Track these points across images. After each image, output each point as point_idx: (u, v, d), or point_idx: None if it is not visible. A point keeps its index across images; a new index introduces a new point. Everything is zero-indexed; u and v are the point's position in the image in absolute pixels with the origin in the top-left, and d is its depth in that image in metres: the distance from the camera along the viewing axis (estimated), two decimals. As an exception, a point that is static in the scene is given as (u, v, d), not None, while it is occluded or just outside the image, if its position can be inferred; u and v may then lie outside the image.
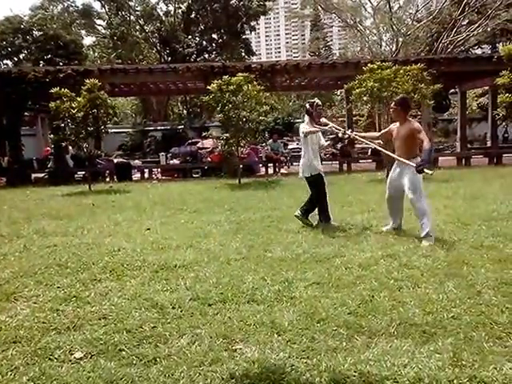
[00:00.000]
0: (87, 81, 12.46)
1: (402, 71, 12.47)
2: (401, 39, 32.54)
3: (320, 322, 3.32)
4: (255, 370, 2.67)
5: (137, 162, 18.93)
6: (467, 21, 30.59)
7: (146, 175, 17.36)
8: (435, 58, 17.50)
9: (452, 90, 22.10)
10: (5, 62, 35.89)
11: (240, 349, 2.96)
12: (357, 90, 12.44)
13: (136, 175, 17.35)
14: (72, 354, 2.96)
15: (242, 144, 13.08)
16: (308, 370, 2.64)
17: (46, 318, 3.54)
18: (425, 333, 3.11)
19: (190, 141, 22.93)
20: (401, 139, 5.77)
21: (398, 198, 6.09)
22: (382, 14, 33.70)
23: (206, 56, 35.76)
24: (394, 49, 33.26)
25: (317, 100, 6.82)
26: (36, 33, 34.85)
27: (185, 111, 38.80)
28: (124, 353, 2.95)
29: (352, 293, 3.87)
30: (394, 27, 32.27)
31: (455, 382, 2.53)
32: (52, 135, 14.55)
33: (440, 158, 17.68)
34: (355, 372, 2.61)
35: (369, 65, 12.87)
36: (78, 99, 12.11)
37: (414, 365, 2.69)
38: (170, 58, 34.84)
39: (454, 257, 4.82)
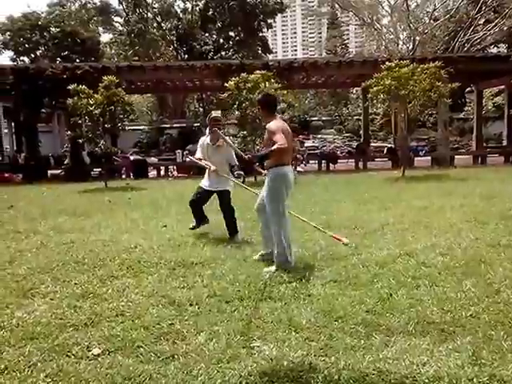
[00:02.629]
0: (105, 78, 12.54)
1: (419, 69, 12.35)
2: (418, 38, 32.18)
3: (338, 319, 3.29)
4: (273, 368, 2.65)
5: (153, 160, 19.04)
6: (484, 20, 30.18)
7: (162, 172, 17.45)
8: (452, 57, 17.32)
9: (468, 89, 21.81)
10: (22, 58, 36.31)
11: (258, 346, 2.94)
12: (374, 88, 12.34)
13: (152, 172, 17.46)
14: (90, 351, 2.97)
15: (258, 142, 13.05)
16: (326, 368, 2.62)
17: (64, 315, 3.56)
18: (443, 331, 3.07)
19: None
20: (265, 141, 4.82)
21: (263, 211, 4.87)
22: (399, 12, 33.39)
23: (223, 53, 35.78)
24: (410, 47, 32.92)
25: (213, 114, 6.09)
26: (53, 29, 35.22)
27: (201, 109, 38.89)
28: (142, 349, 2.96)
29: (369, 291, 3.83)
30: (411, 26, 31.92)
31: (475, 380, 2.50)
32: (69, 132, 14.68)
33: (456, 157, 17.47)
34: (374, 370, 2.59)
35: (386, 63, 12.76)
36: (96, 96, 12.20)
37: (433, 363, 2.66)
38: (186, 56, 34.95)
39: (472, 255, 4.77)
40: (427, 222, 6.55)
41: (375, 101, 13.64)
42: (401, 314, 3.34)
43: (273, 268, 4.52)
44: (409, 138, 15.94)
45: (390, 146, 20.72)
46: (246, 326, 3.24)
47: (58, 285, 4.28)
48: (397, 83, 12.04)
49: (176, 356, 2.86)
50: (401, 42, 35.62)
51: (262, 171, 4.84)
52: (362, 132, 22.48)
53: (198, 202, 6.17)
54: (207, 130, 6.10)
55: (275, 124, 4.56)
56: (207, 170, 6.06)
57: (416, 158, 17.56)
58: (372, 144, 23.23)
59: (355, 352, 2.81)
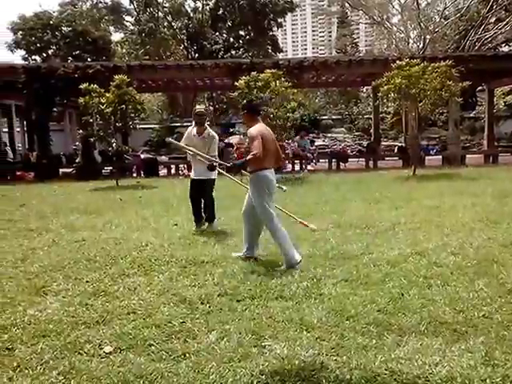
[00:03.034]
0: (116, 77, 12.60)
1: (430, 68, 12.26)
2: (428, 36, 32.02)
3: (349, 319, 3.28)
4: (285, 367, 2.65)
5: (163, 158, 19.09)
6: (495, 18, 29.95)
7: (173, 171, 17.50)
8: (463, 56, 17.18)
9: (479, 88, 21.62)
10: (34, 57, 36.59)
11: (269, 345, 2.94)
12: (385, 87, 12.27)
13: (162, 171, 17.52)
14: (101, 349, 2.99)
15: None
16: (338, 368, 2.61)
17: (76, 312, 3.58)
18: (456, 331, 3.06)
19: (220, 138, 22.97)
20: (248, 146, 4.87)
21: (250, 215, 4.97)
22: (409, 10, 33.23)
23: (233, 52, 35.79)
24: (421, 46, 32.76)
25: (197, 108, 6.65)
26: (65, 29, 35.43)
27: (211, 108, 38.96)
28: (153, 348, 2.97)
29: (381, 290, 3.82)
30: (422, 24, 31.76)
31: (488, 381, 2.48)
32: (80, 131, 14.79)
33: (467, 156, 17.33)
34: (386, 370, 2.58)
35: (397, 62, 12.67)
36: (107, 95, 12.26)
37: (445, 363, 2.64)
38: (197, 55, 35.03)
39: (484, 255, 4.74)
40: (439, 221, 6.50)
41: (385, 100, 13.54)
42: (413, 313, 3.32)
43: (283, 267, 4.56)
44: (419, 137, 15.81)
45: (400, 144, 20.58)
46: (257, 325, 3.24)
47: (70, 283, 4.31)
48: (407, 82, 11.95)
49: (187, 354, 2.87)
50: (411, 41, 35.46)
51: (247, 174, 4.94)
52: (372, 131, 22.38)
53: (191, 194, 6.60)
54: (193, 122, 6.62)
55: (256, 130, 4.64)
56: (192, 163, 6.57)
57: (427, 157, 17.44)
58: (382, 143, 23.10)
59: (367, 352, 2.80)
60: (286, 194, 9.96)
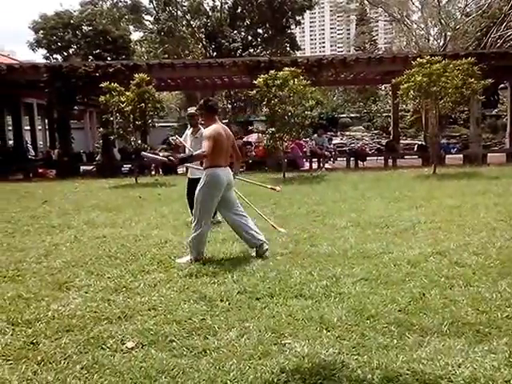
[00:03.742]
0: (136, 75, 12.71)
1: (451, 66, 12.07)
2: (449, 33, 31.59)
3: (369, 318, 3.26)
4: (305, 365, 2.65)
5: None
6: (517, 15, 29.30)
7: (191, 169, 17.57)
8: (486, 53, 16.86)
9: (501, 86, 21.20)
10: (55, 56, 37.06)
11: (289, 343, 2.94)
12: (404, 85, 12.13)
13: (181, 169, 17.59)
14: (124, 344, 3.03)
15: (286, 139, 13.02)
16: (359, 367, 2.60)
17: (98, 308, 3.63)
18: (478, 332, 3.02)
19: (238, 135, 22.98)
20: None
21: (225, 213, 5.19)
22: (429, 7, 32.80)
23: (251, 51, 35.76)
24: (441, 43, 32.34)
25: (189, 110, 7.07)
26: (85, 28, 35.75)
27: (229, 105, 39.02)
28: (174, 344, 3.00)
29: (401, 290, 3.79)
30: (443, 21, 31.36)
31: (511, 382, 2.45)
32: (101, 129, 14.95)
33: (489, 155, 17.03)
34: (408, 370, 2.55)
35: (418, 59, 12.51)
36: (127, 93, 12.38)
37: (468, 364, 2.61)
38: (215, 53, 35.07)
39: (507, 255, 4.66)
40: (460, 220, 6.41)
41: (405, 98, 13.38)
42: (434, 313, 3.29)
43: (185, 259, 4.84)
44: (440, 136, 15.60)
45: (420, 143, 20.34)
46: (277, 323, 3.24)
47: (92, 278, 4.38)
48: (428, 80, 11.80)
49: (208, 351, 2.89)
50: (431, 38, 35.03)
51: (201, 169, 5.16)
52: (391, 129, 22.16)
53: (188, 194, 6.83)
54: (188, 124, 7.15)
55: (211, 130, 4.81)
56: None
57: (447, 156, 17.20)
58: (401, 141, 22.85)
59: (388, 351, 2.77)
60: (304, 192, 10.07)
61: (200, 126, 6.81)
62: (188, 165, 6.48)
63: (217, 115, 5.08)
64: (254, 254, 5.03)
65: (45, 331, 3.23)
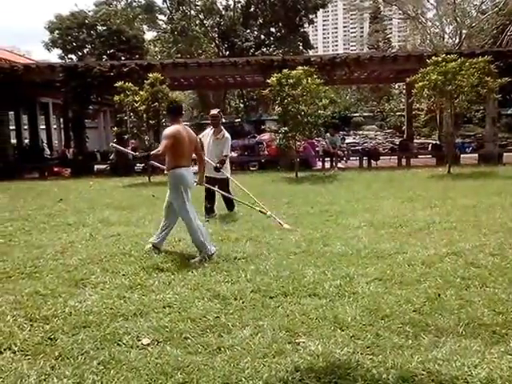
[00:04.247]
0: (150, 75, 12.78)
1: (467, 64, 11.95)
2: (464, 31, 31.27)
3: (384, 318, 3.26)
4: (320, 364, 2.65)
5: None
6: (534, 13, 28.88)
7: (203, 168, 17.62)
8: (502, 51, 16.64)
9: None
10: (70, 56, 37.44)
11: (303, 342, 2.95)
12: (419, 84, 12.03)
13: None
14: (139, 340, 3.07)
15: (298, 138, 12.99)
16: (374, 367, 2.60)
17: (114, 305, 3.68)
18: (495, 333, 3.00)
19: (251, 134, 23.01)
20: None
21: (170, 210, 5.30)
22: (445, 5, 32.48)
23: (264, 50, 35.74)
24: (456, 41, 32.02)
25: (212, 111, 7.44)
26: (100, 28, 36.08)
27: (241, 105, 39.07)
28: (189, 341, 3.03)
29: (416, 290, 3.77)
30: (458, 19, 31.03)
31: (529, 384, 2.43)
32: (115, 128, 15.05)
33: (504, 154, 16.81)
34: (423, 371, 2.55)
35: (433, 57, 12.40)
36: (141, 93, 12.46)
37: (484, 365, 2.60)
38: (228, 52, 35.15)
39: (524, 256, 4.60)
40: (475, 220, 6.35)
41: (420, 96, 13.25)
42: (450, 314, 3.27)
43: (197, 258, 4.87)
44: (455, 135, 15.44)
45: (434, 142, 20.16)
46: (291, 322, 3.25)
47: (107, 275, 4.42)
48: (443, 78, 11.70)
49: (222, 349, 2.91)
50: (446, 36, 34.68)
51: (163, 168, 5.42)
52: (405, 128, 22.00)
53: (206, 191, 7.18)
54: (211, 125, 7.38)
55: (170, 130, 5.00)
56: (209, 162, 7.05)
57: (462, 155, 17.02)
58: (415, 140, 22.67)
59: (403, 351, 2.77)
60: (317, 191, 10.06)
61: (222, 128, 7.29)
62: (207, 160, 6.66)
63: (180, 117, 5.25)
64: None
65: (62, 327, 3.28)
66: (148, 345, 2.99)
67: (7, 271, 4.65)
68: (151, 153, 5.12)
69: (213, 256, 4.87)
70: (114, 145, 6.89)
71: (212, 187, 6.98)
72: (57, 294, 3.92)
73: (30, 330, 3.26)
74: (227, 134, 7.31)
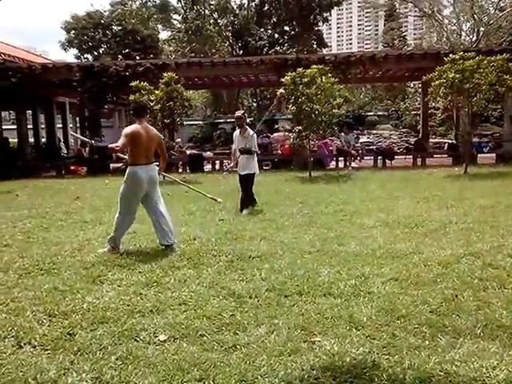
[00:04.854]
0: (165, 74, 12.85)
1: (485, 62, 11.80)
2: (482, 29, 30.87)
3: (400, 318, 3.25)
4: (336, 363, 2.66)
5: (209, 154, 19.30)
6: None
7: (217, 166, 17.68)
8: (521, 48, 16.38)
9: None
10: (85, 55, 37.80)
11: (319, 341, 2.96)
12: (436, 82, 11.91)
13: (207, 166, 17.73)
14: (156, 337, 3.11)
15: (312, 137, 12.95)
16: (391, 367, 2.59)
17: (131, 301, 3.73)
18: (514, 335, 2.96)
19: (264, 133, 23.03)
20: None
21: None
22: (462, 2, 32.10)
23: (278, 48, 35.61)
24: (474, 39, 31.64)
25: (236, 112, 8.13)
26: (115, 28, 36.35)
27: (254, 104, 39.06)
28: (205, 338, 3.05)
29: (433, 291, 3.75)
30: (476, 16, 30.63)
31: (548, 386, 2.41)
32: (130, 127, 15.13)
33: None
34: (441, 371, 2.54)
35: (450, 55, 12.26)
36: (156, 92, 12.53)
37: (503, 367, 2.58)
38: (241, 51, 35.13)
39: (542, 257, 4.54)
40: (493, 221, 6.27)
41: (436, 95, 13.10)
42: (468, 315, 3.24)
43: (106, 249, 5.24)
44: (472, 134, 15.25)
45: (451, 141, 19.94)
46: (306, 321, 3.26)
47: (124, 272, 4.48)
48: (461, 76, 11.56)
49: (238, 346, 2.93)
50: (463, 34, 34.30)
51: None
52: (420, 127, 21.79)
53: (242, 188, 7.85)
54: (236, 126, 8.02)
55: (128, 129, 5.29)
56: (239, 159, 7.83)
57: (479, 155, 16.81)
58: (430, 140, 22.44)
59: (420, 352, 2.76)
60: (331, 191, 10.03)
61: (247, 127, 7.84)
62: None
63: (142, 117, 5.46)
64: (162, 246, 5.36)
65: (80, 322, 3.33)
66: (165, 341, 3.03)
67: (26, 267, 4.73)
68: (109, 145, 5.29)
69: (117, 249, 5.22)
70: (73, 133, 7.16)
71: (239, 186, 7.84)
72: (75, 290, 3.99)
73: (49, 326, 3.32)
74: (252, 132, 7.82)
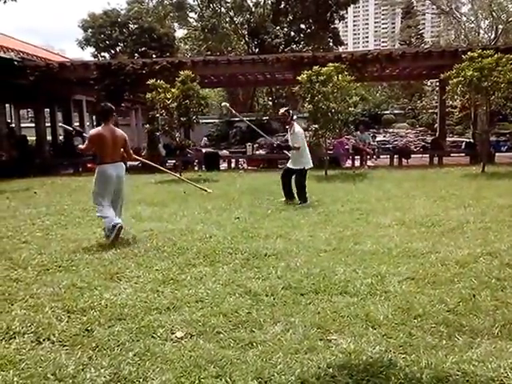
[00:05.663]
0: (182, 72, 12.91)
1: (504, 60, 11.63)
2: (501, 26, 30.44)
3: (417, 318, 3.23)
4: (352, 362, 2.66)
5: (225, 152, 19.38)
6: None
7: (233, 165, 17.73)
8: (541, 46, 16.11)
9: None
10: (102, 54, 38.17)
11: (335, 339, 2.96)
12: (454, 80, 11.77)
13: (223, 165, 17.79)
14: (173, 333, 3.13)
15: (328, 135, 12.90)
16: (407, 366, 2.59)
17: (148, 298, 3.76)
18: (532, 336, 2.93)
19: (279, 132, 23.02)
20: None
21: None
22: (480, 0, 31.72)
23: (294, 46, 35.51)
24: (492, 36, 31.22)
25: (281, 110, 8.40)
26: (132, 26, 36.68)
27: (270, 102, 39.02)
28: (221, 335, 3.07)
29: (450, 290, 3.72)
30: (494, 14, 30.23)
31: None
32: (147, 125, 15.26)
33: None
34: (458, 371, 2.52)
35: (468, 53, 12.11)
36: (172, 90, 12.59)
37: (521, 368, 2.54)
38: (257, 49, 35.10)
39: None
40: (511, 221, 6.19)
41: (454, 93, 12.95)
42: (485, 315, 3.21)
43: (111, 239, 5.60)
44: (490, 133, 15.05)
45: (468, 140, 19.70)
46: (322, 319, 3.26)
47: (141, 270, 4.52)
48: (479, 74, 11.42)
49: (254, 344, 2.94)
50: (482, 31, 33.87)
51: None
52: (437, 126, 21.57)
53: (282, 178, 8.37)
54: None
55: (93, 131, 5.97)
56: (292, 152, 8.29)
57: (497, 154, 16.59)
58: (447, 138, 22.20)
59: (437, 351, 2.74)
60: (347, 189, 9.98)
61: (293, 123, 8.09)
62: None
63: (107, 120, 5.89)
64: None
65: (98, 319, 3.38)
66: (181, 338, 3.05)
67: (45, 264, 4.80)
68: (78, 146, 6.12)
69: (114, 230, 5.59)
70: (62, 124, 7.48)
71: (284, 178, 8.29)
72: (93, 287, 4.04)
73: (67, 322, 3.37)
74: (297, 129, 8.09)
